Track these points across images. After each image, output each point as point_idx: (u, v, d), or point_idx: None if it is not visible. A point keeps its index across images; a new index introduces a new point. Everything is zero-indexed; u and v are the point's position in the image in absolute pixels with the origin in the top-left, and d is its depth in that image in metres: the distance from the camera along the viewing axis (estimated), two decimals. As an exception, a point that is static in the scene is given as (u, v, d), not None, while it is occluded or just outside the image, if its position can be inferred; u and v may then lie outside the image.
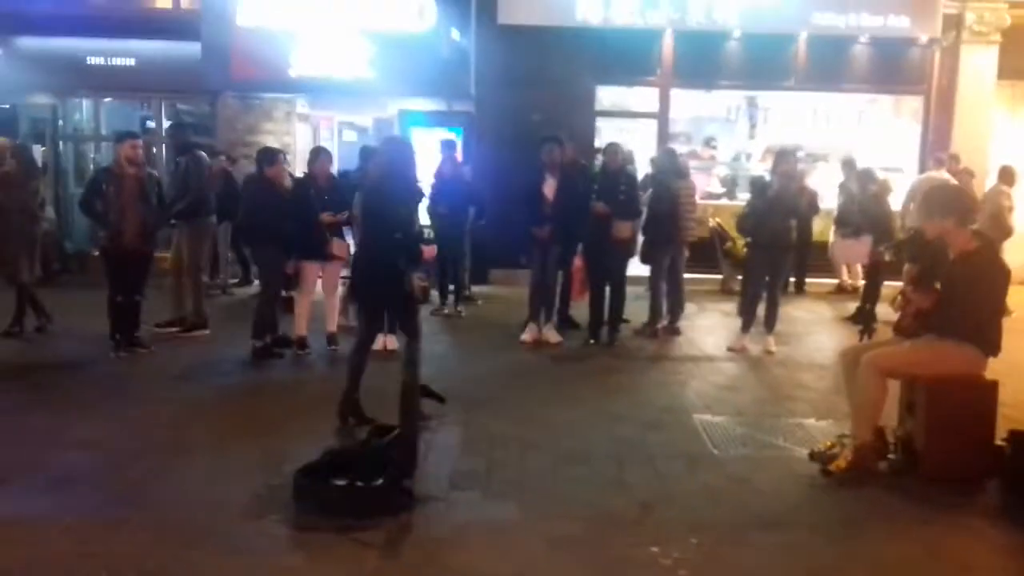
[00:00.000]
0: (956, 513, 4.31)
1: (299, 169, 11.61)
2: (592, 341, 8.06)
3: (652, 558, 3.76)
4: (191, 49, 11.85)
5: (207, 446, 5.16)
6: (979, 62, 11.83)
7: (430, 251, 7.35)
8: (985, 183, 10.82)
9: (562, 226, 7.84)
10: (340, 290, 7.70)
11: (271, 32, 11.93)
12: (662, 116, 12.42)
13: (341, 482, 4.22)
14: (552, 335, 8.14)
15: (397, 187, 5.66)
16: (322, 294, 7.71)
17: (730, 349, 7.97)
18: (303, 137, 12.92)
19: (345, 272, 7.86)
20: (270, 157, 7.51)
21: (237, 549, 3.81)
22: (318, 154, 7.70)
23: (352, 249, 7.71)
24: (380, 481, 4.21)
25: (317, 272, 7.60)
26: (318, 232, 7.32)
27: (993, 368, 4.75)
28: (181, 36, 11.92)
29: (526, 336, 8.09)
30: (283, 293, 8.32)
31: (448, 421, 5.51)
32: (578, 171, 8.61)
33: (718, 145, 13.15)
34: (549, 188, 7.86)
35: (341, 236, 7.60)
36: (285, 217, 7.24)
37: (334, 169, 8.21)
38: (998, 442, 4.64)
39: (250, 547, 3.83)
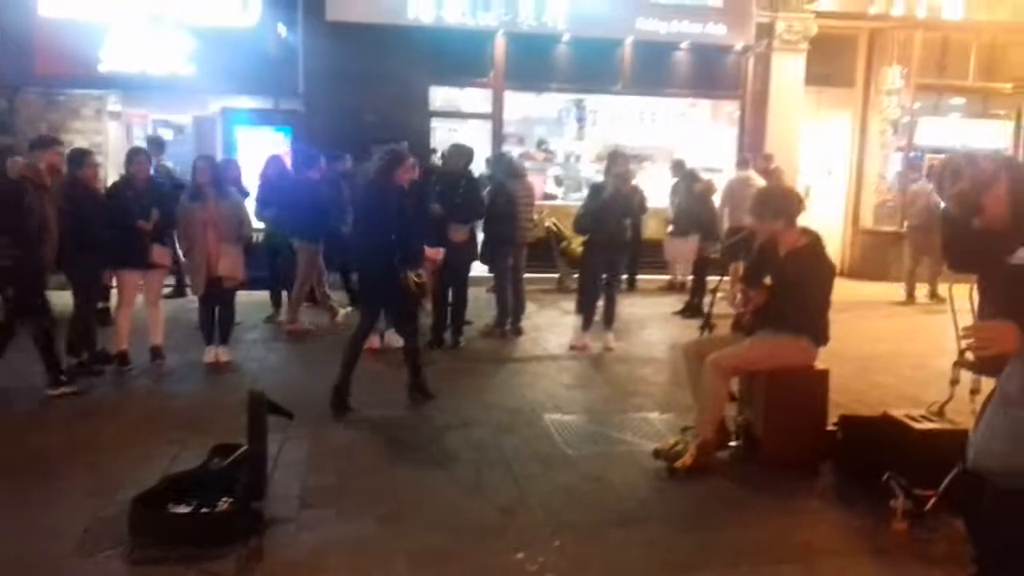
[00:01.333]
0: (796, 497, 4.53)
1: (112, 172, 10.91)
2: (436, 346, 7.95)
3: (518, 565, 3.71)
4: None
5: (27, 475, 4.65)
6: (788, 69, 12.67)
7: (434, 252, 7.27)
8: (796, 180, 11.59)
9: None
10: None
11: (78, 23, 11.02)
12: (495, 117, 12.49)
13: (183, 509, 3.90)
14: (395, 339, 7.93)
15: (392, 188, 5.98)
16: (144, 305, 7.18)
17: (572, 347, 8.08)
18: (115, 136, 12.04)
19: (169, 280, 7.40)
20: (81, 159, 6.89)
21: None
22: (136, 155, 7.16)
23: (179, 256, 7.28)
24: (226, 505, 3.94)
25: (137, 281, 7.07)
26: (138, 239, 6.81)
27: (821, 358, 5.05)
28: (-28, 26, 10.82)
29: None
30: (100, 305, 7.74)
31: (293, 435, 5.23)
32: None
33: (549, 147, 13.37)
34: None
35: (162, 242, 7.11)
36: (101, 223, 6.69)
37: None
38: (830, 427, 4.93)
39: (82, 588, 3.47)
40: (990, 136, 13.62)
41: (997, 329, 2.74)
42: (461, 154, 8.21)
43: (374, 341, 7.36)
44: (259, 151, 10.49)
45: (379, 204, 6.01)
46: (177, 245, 7.57)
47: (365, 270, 6.35)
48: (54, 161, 6.73)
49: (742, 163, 10.66)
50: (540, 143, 13.31)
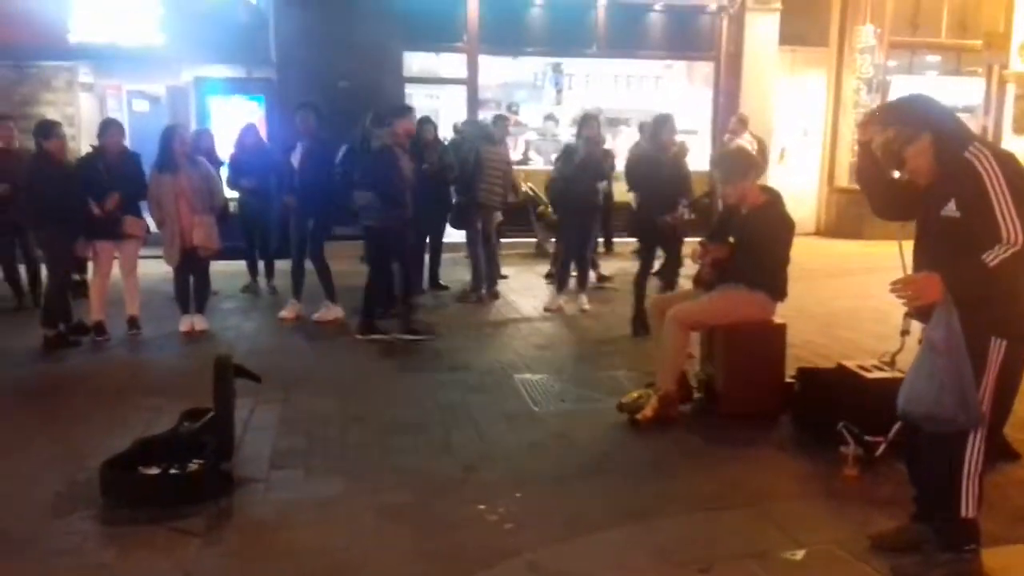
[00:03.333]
0: (753, 447, 4.65)
1: (85, 143, 10.85)
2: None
3: (479, 515, 3.82)
4: (-51, 12, 10.68)
5: (1, 444, 4.74)
6: (762, 29, 12.69)
7: None
8: (770, 140, 11.64)
9: (309, 197, 7.54)
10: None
11: (46, -7, 10.91)
12: (471, 82, 12.47)
13: (153, 471, 3.99)
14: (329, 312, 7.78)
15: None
16: (119, 275, 7.23)
17: (547, 309, 8.19)
18: (88, 108, 11.97)
19: (146, 252, 7.43)
20: (46, 130, 6.88)
21: (43, 551, 3.53)
22: (108, 126, 7.15)
23: (149, 227, 7.30)
24: (195, 466, 4.03)
25: (112, 252, 7.11)
26: (110, 210, 6.84)
27: (780, 312, 5.16)
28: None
29: (285, 312, 7.84)
30: (75, 277, 7.78)
31: (265, 400, 5.32)
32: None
33: (519, 111, 13.33)
34: (296, 157, 7.64)
35: (137, 213, 7.13)
36: (70, 195, 6.71)
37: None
38: (788, 379, 5.05)
39: (57, 547, 3.55)
40: (964, 93, 13.69)
41: (923, 281, 2.86)
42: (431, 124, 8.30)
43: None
44: (233, 120, 10.50)
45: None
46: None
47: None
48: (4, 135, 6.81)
49: (733, 134, 10.58)
50: (510, 107, 13.28)
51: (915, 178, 3.06)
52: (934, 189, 3.02)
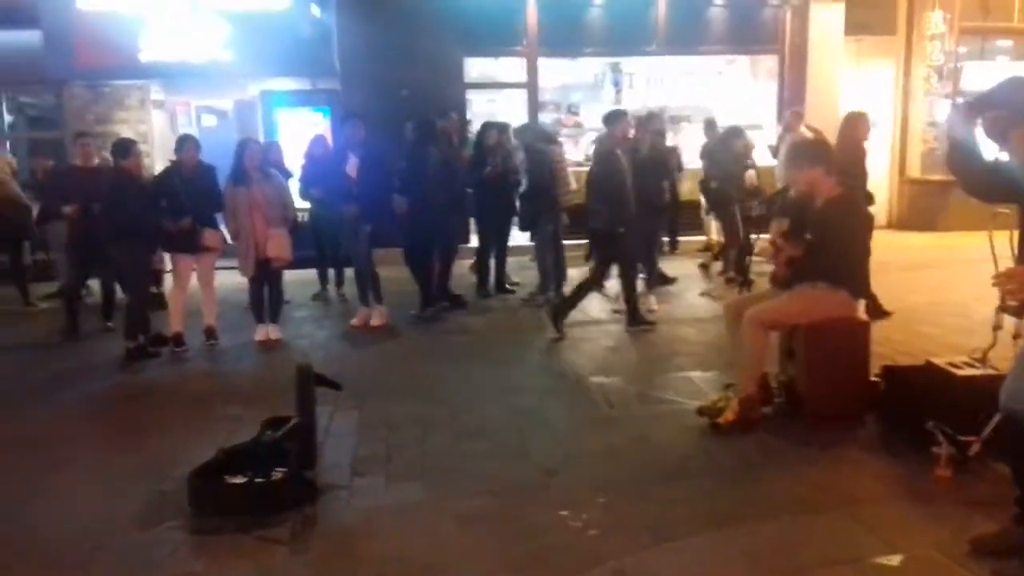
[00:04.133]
0: (839, 449, 4.53)
1: (159, 159, 11.16)
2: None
3: (562, 521, 3.80)
4: (30, 37, 11.04)
5: (88, 456, 4.89)
6: (826, 20, 12.39)
7: None
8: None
9: (369, 204, 7.63)
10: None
11: (117, 15, 11.23)
12: (531, 86, 12.45)
13: (238, 480, 4.06)
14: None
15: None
16: (198, 288, 7.40)
17: (615, 311, 8.12)
18: (160, 124, 12.30)
19: (220, 263, 7.59)
20: (124, 148, 7.09)
21: (134, 562, 3.63)
22: (184, 142, 7.33)
23: (226, 239, 7.45)
24: (279, 475, 4.09)
25: (191, 265, 7.28)
26: (191, 225, 7.00)
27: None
28: (18, 24, 11.07)
29: (355, 321, 7.95)
30: (153, 289, 7.99)
31: (343, 407, 5.38)
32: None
33: (580, 111, 13.25)
34: (352, 167, 7.71)
35: (214, 225, 7.29)
36: (147, 210, 6.89)
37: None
38: (872, 378, 4.92)
39: (148, 558, 3.65)
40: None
41: None
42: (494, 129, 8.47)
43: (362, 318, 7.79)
44: (300, 132, 10.68)
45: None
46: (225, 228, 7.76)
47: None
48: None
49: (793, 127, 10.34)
50: (570, 108, 13.22)
51: (1022, 161, 2.95)
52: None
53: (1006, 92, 3.06)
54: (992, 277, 2.92)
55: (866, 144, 7.42)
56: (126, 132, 10.62)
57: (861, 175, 7.22)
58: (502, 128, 9.10)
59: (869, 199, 7.28)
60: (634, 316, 7.43)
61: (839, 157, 7.32)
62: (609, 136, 7.41)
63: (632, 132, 7.82)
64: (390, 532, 3.81)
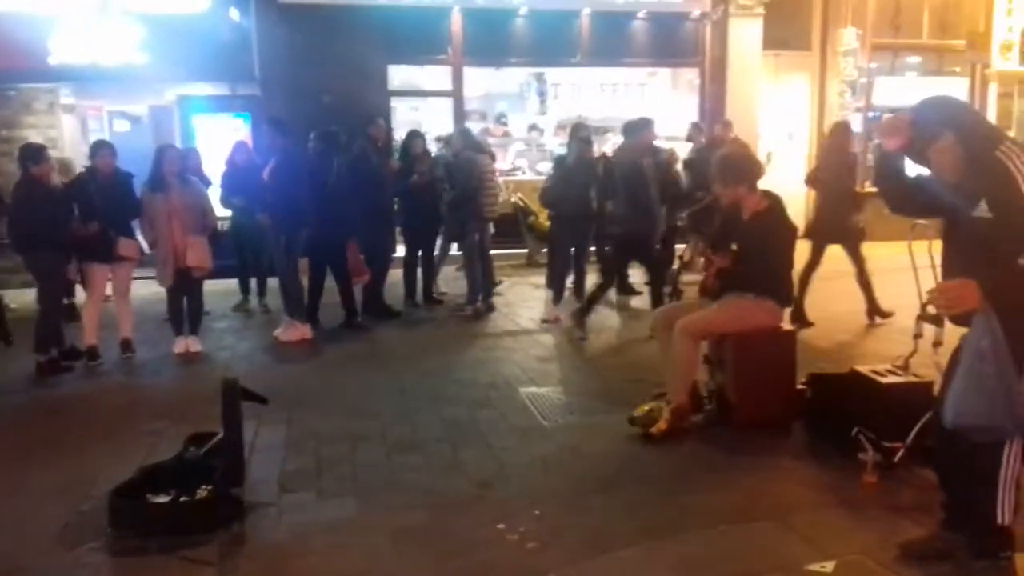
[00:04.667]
0: (769, 457, 4.60)
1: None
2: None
3: (499, 535, 3.75)
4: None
5: (2, 474, 4.63)
6: (745, 34, 12.71)
7: None
8: (757, 144, 11.65)
9: (282, 213, 7.57)
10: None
11: (24, 16, 10.72)
12: (456, 94, 12.41)
13: (162, 499, 3.89)
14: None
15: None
16: (113, 298, 7.12)
17: (544, 321, 8.13)
18: (70, 130, 11.81)
19: (137, 272, 7.31)
20: (35, 154, 6.75)
21: (53, 587, 3.44)
22: (100, 147, 7.05)
23: (143, 248, 7.18)
24: (204, 493, 3.94)
25: (106, 275, 7.00)
26: (103, 232, 6.72)
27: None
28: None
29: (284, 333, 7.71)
30: (65, 300, 7.66)
31: (269, 421, 5.22)
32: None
33: (508, 121, 13.30)
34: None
35: (131, 234, 7.02)
36: (60, 218, 6.60)
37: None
38: (799, 386, 5.01)
39: (66, 582, 3.47)
40: (947, 93, 13.72)
41: (960, 288, 2.82)
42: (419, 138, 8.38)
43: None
44: (219, 138, 10.40)
45: None
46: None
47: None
48: None
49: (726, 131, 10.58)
50: (499, 117, 13.25)
51: (941, 176, 3.04)
52: (964, 189, 2.99)
53: (922, 111, 3.15)
54: (926, 293, 2.99)
55: (853, 151, 7.96)
56: (35, 137, 10.12)
57: (852, 180, 7.82)
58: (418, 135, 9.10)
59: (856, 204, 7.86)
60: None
61: (832, 163, 7.67)
62: (633, 145, 7.53)
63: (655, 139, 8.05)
64: (322, 549, 3.70)
